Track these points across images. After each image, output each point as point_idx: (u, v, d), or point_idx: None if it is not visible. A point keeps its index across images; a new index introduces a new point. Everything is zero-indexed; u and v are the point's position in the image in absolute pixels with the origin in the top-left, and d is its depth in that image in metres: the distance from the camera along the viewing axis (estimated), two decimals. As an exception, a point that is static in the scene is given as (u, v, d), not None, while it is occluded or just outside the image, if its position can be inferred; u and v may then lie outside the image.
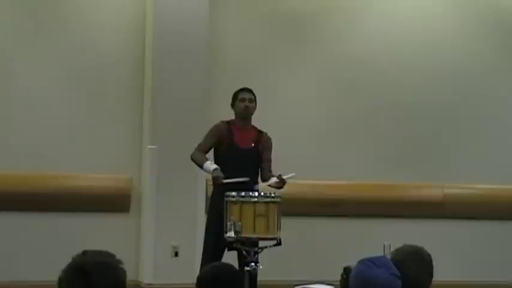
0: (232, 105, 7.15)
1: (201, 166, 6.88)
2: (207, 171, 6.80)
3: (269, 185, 6.82)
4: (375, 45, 9.39)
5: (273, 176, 6.83)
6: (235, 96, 7.16)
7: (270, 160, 7.09)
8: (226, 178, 6.66)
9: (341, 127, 9.28)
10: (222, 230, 6.42)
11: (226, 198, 6.50)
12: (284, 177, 6.76)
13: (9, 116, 8.45)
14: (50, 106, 8.54)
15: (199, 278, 3.76)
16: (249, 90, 7.17)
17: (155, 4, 8.54)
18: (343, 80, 9.30)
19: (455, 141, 9.60)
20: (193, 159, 6.98)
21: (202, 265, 6.85)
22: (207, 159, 6.86)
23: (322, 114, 9.25)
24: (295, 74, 9.19)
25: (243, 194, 6.49)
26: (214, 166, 6.74)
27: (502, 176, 9.61)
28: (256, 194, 6.53)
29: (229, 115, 7.24)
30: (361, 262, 3.32)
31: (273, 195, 6.55)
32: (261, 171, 7.05)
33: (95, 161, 8.58)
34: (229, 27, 9.07)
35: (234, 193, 6.50)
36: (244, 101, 7.08)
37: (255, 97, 7.16)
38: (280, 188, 6.79)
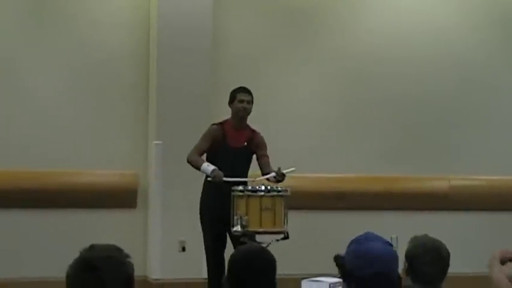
0: (230, 104, 7.16)
1: (198, 168, 6.91)
2: (205, 173, 6.84)
3: (268, 180, 6.85)
4: (379, 38, 9.36)
5: (273, 171, 6.86)
6: (233, 95, 7.14)
7: (267, 156, 7.13)
8: (225, 176, 6.71)
9: (346, 120, 9.27)
10: (220, 228, 6.50)
11: (232, 193, 6.53)
12: (284, 171, 6.78)
13: (14, 113, 8.45)
14: (56, 103, 8.55)
15: (231, 261, 3.50)
16: (248, 91, 7.15)
17: (159, 0, 8.54)
18: (348, 73, 9.28)
19: (461, 132, 9.57)
20: (190, 162, 7.00)
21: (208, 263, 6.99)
22: (203, 161, 6.90)
23: (326, 107, 9.23)
24: (300, 68, 9.17)
25: (249, 188, 6.51)
26: (212, 167, 6.76)
27: (507, 167, 9.58)
28: (263, 187, 6.56)
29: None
30: (352, 243, 3.11)
31: (279, 188, 6.56)
32: (260, 167, 7.10)
33: (100, 157, 8.58)
34: (233, 22, 9.06)
35: (240, 187, 6.53)
36: (243, 102, 7.07)
37: (252, 98, 7.16)
38: (279, 181, 6.81)
